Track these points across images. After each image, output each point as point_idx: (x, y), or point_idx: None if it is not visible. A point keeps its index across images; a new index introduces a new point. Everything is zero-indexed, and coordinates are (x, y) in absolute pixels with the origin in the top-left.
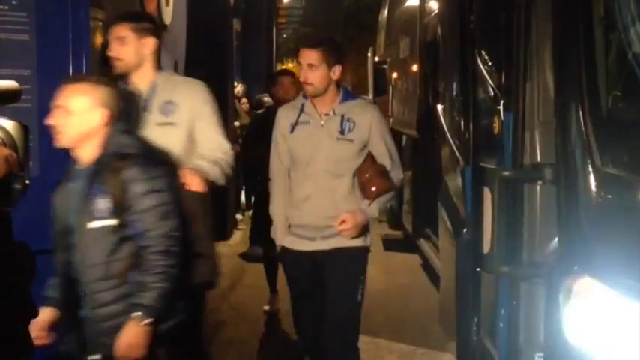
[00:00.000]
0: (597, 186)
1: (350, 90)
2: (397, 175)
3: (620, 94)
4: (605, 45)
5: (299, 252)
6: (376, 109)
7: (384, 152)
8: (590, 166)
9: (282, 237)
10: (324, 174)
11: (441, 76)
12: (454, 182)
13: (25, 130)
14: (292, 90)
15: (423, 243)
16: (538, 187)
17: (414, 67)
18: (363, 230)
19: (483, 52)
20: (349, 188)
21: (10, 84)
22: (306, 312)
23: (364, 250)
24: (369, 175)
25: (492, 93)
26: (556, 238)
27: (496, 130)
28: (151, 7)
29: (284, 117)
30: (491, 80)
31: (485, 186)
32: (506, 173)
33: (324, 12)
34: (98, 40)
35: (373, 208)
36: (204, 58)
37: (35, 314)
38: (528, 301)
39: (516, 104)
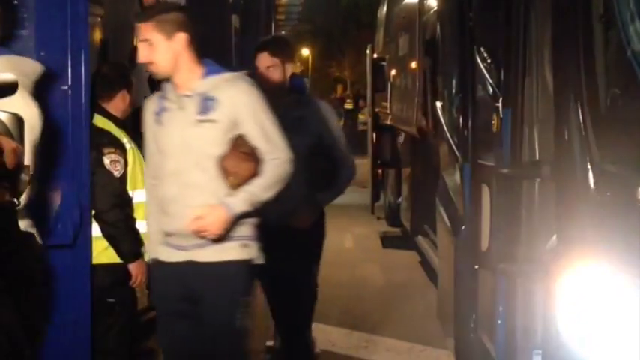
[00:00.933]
0: (595, 183)
1: (215, 64)
2: (275, 158)
3: (619, 91)
4: (603, 42)
5: (168, 264)
6: (247, 82)
7: (256, 133)
8: (588, 163)
9: (153, 247)
10: (190, 167)
11: (439, 73)
12: (452, 179)
13: (20, 122)
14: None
15: (422, 240)
16: (536, 185)
17: (413, 65)
18: (239, 236)
19: (482, 50)
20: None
21: (6, 76)
22: (172, 344)
23: (243, 265)
24: (231, 160)
25: (491, 90)
26: (554, 235)
27: (495, 128)
28: (150, 4)
29: (148, 108)
30: (490, 78)
31: (483, 183)
32: (504, 170)
33: (323, 9)
34: (97, 36)
35: (237, 200)
36: (203, 55)
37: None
38: (526, 298)
39: (515, 102)
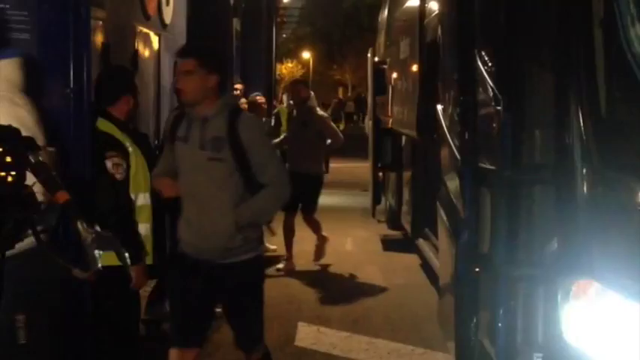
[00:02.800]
0: (596, 186)
1: None
2: None
3: (619, 94)
4: (604, 46)
5: None
6: None
7: None
8: (588, 166)
9: None
10: None
11: (440, 76)
12: (453, 182)
13: None
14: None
15: (422, 243)
16: (537, 188)
17: (414, 68)
18: None
19: (483, 53)
20: None
21: None
22: None
23: None
24: None
25: (492, 93)
26: (555, 239)
27: (495, 131)
28: (151, 7)
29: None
30: (491, 81)
31: (484, 186)
32: (505, 174)
33: (324, 12)
34: (98, 39)
35: None
36: None
37: None
38: (527, 301)
39: (516, 105)
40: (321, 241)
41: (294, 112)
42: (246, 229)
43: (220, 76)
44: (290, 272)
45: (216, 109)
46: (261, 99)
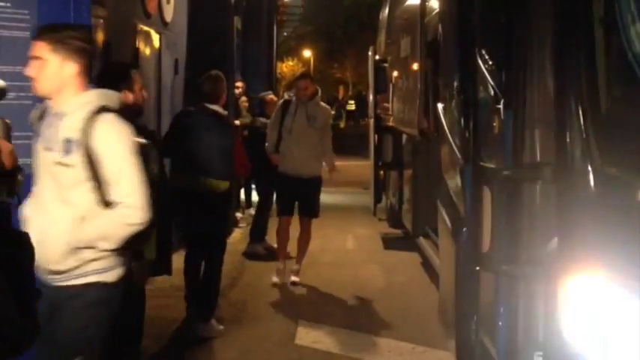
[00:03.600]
0: (596, 185)
1: None
2: None
3: (620, 93)
4: (605, 45)
5: None
6: None
7: None
8: (589, 165)
9: None
10: None
11: (441, 75)
12: (454, 181)
13: (7, 126)
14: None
15: (423, 242)
16: (538, 187)
17: (415, 66)
18: None
19: (484, 51)
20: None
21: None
22: None
23: None
24: None
25: (492, 92)
26: (555, 238)
27: (496, 129)
28: (152, 5)
29: None
30: (492, 79)
31: (485, 185)
32: (506, 172)
33: (325, 10)
34: (99, 37)
35: None
36: (206, 57)
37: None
38: (527, 299)
39: (516, 103)
40: (299, 257)
41: (296, 108)
42: (82, 251)
43: (81, 66)
44: (280, 273)
45: (74, 106)
46: (273, 98)
